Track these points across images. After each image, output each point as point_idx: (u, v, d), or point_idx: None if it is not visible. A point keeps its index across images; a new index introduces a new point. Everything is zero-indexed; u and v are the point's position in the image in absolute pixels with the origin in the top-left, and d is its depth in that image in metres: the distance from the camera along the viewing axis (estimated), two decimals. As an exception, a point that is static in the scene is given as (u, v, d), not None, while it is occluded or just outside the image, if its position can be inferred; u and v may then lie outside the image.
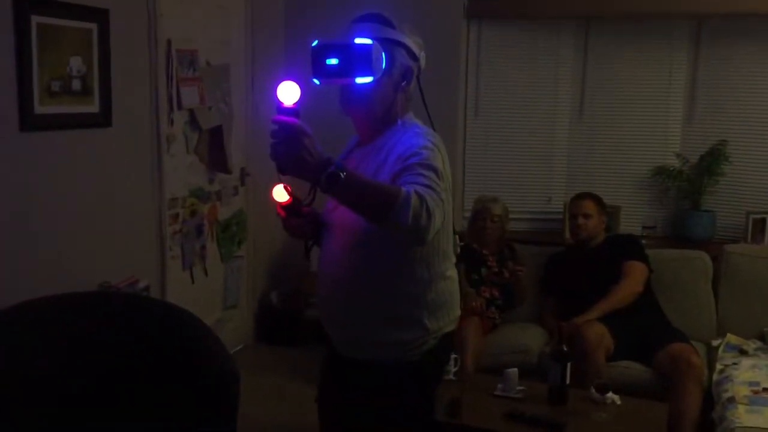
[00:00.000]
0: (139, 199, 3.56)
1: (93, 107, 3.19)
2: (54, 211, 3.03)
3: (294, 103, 1.53)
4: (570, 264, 3.80)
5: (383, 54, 1.73)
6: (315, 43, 1.71)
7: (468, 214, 4.16)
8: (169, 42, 3.66)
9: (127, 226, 3.47)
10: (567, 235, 4.03)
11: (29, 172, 2.92)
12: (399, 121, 1.85)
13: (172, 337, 2.80)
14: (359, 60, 1.69)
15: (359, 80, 1.71)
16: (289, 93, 1.53)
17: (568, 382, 2.84)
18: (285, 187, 1.77)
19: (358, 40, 1.70)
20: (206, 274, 4.12)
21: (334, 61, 1.68)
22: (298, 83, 1.54)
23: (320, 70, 1.70)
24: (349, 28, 1.79)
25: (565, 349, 2.87)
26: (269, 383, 3.91)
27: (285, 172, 1.55)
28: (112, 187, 3.35)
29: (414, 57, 1.85)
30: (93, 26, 3.14)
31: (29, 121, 2.87)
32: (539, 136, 4.47)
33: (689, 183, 4.16)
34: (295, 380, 3.91)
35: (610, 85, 4.35)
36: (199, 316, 2.99)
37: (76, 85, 3.09)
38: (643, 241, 3.95)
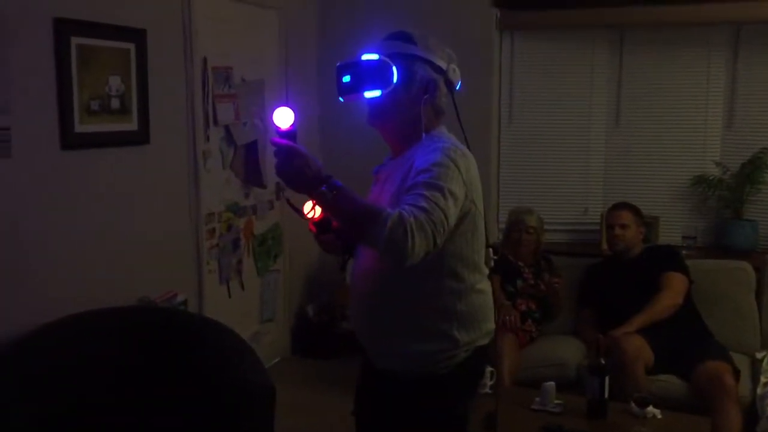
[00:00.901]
0: (177, 215, 3.62)
1: (131, 125, 3.26)
2: (95, 228, 3.09)
3: (290, 126, 1.66)
4: (608, 275, 3.75)
5: (393, 68, 1.78)
6: (338, 63, 1.83)
7: (503, 226, 4.13)
8: (204, 60, 3.73)
9: (165, 241, 3.52)
10: (604, 246, 3.98)
11: (70, 189, 2.98)
12: (424, 136, 1.85)
13: (208, 351, 2.84)
14: (367, 75, 1.79)
15: (368, 94, 1.81)
16: (283, 118, 1.66)
17: (606, 395, 2.79)
18: (288, 110, 1.80)
19: (365, 57, 1.79)
20: (243, 287, 4.16)
21: (347, 79, 1.80)
22: (292, 109, 1.67)
23: (339, 87, 1.82)
24: (371, 47, 1.86)
25: (604, 362, 2.83)
26: (306, 396, 3.92)
27: (288, 186, 1.65)
28: (151, 203, 3.40)
29: (439, 70, 1.86)
30: (131, 46, 3.21)
31: (70, 140, 2.94)
32: (575, 146, 4.43)
33: (730, 192, 4.07)
34: (331, 393, 3.91)
35: (646, 93, 4.29)
36: (236, 330, 3.03)
37: (115, 103, 3.16)
38: (683, 252, 3.88)
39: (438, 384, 1.86)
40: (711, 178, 4.13)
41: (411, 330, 1.85)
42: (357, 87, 1.80)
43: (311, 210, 1.84)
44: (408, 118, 1.85)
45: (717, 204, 4.17)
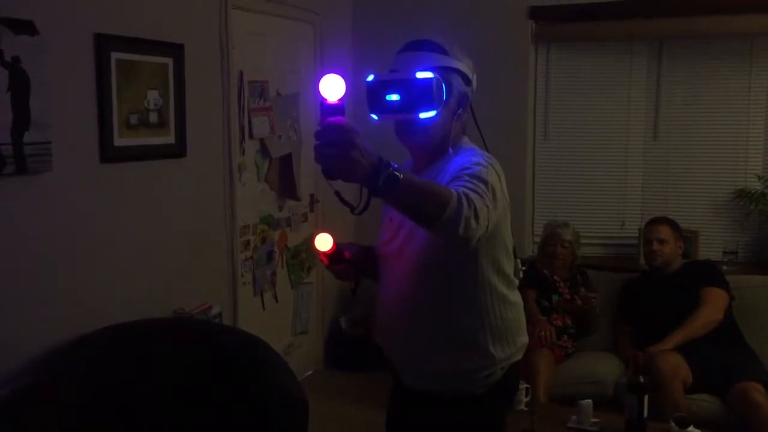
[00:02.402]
0: (212, 227, 3.65)
1: (169, 138, 3.30)
2: (132, 239, 3.14)
3: (339, 99, 1.38)
4: (646, 291, 3.69)
5: (443, 85, 1.68)
6: (371, 77, 1.65)
7: (538, 239, 4.09)
8: (241, 73, 3.77)
9: (201, 253, 3.55)
10: (642, 261, 3.91)
11: (108, 201, 3.03)
12: (450, 149, 1.80)
13: (242, 364, 2.84)
14: (422, 95, 1.62)
15: (423, 115, 1.65)
16: (333, 87, 1.37)
17: (645, 415, 2.73)
18: (328, 236, 1.77)
19: (420, 75, 1.62)
20: (276, 300, 4.18)
21: (395, 97, 1.61)
22: (342, 76, 1.39)
23: (380, 106, 1.64)
24: (404, 58, 1.74)
25: (642, 380, 2.77)
26: (339, 409, 3.91)
27: (333, 176, 1.39)
28: (187, 215, 3.44)
29: (468, 81, 1.80)
30: (169, 61, 3.26)
31: (109, 153, 2.98)
32: (612, 159, 4.37)
33: (773, 206, 3.98)
34: (364, 405, 3.90)
35: (685, 106, 4.22)
36: (270, 342, 3.03)
37: (153, 117, 3.20)
38: (724, 267, 3.80)
39: (475, 404, 1.83)
40: (753, 192, 4.04)
41: (447, 349, 1.81)
42: (409, 107, 1.62)
43: (324, 243, 1.77)
44: (444, 134, 1.78)
45: (759, 218, 4.07)
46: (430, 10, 4.40)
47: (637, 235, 4.14)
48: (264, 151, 3.99)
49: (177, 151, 3.35)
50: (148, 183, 3.22)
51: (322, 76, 1.38)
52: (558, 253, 3.82)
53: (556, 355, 3.59)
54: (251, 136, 3.87)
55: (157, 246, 3.26)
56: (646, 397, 2.72)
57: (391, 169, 1.40)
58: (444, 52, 1.75)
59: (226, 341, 3.03)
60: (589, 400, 2.88)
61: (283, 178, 4.14)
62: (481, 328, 1.79)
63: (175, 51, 3.29)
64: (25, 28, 2.58)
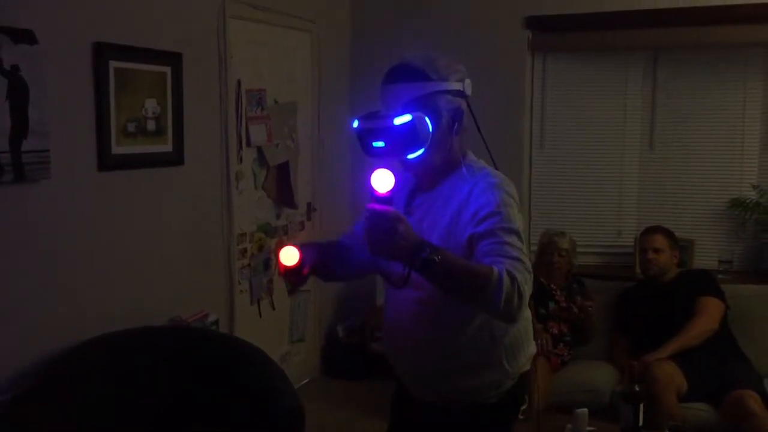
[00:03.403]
0: (210, 235, 3.66)
1: (166, 146, 3.31)
2: (129, 247, 3.14)
3: (387, 191, 1.52)
4: (641, 300, 3.70)
5: (427, 119, 1.65)
6: (356, 123, 1.69)
7: (535, 248, 4.10)
8: (238, 82, 3.78)
9: (198, 261, 3.55)
10: (638, 270, 3.92)
11: (106, 209, 3.03)
12: (462, 167, 1.77)
13: (238, 372, 2.85)
14: (405, 138, 1.64)
15: (411, 156, 1.68)
16: (383, 181, 1.52)
17: (641, 423, 2.74)
18: (295, 250, 1.76)
19: (397, 121, 1.63)
20: (273, 307, 4.18)
21: (380, 144, 1.65)
22: (392, 171, 1.52)
23: (370, 151, 1.68)
24: (387, 91, 1.71)
25: (638, 389, 2.77)
26: (335, 417, 3.90)
27: (379, 255, 1.54)
28: (184, 223, 3.44)
29: (458, 94, 1.74)
30: (167, 69, 3.27)
31: (107, 161, 2.99)
32: (608, 168, 4.39)
33: (768, 215, 4.00)
34: (361, 414, 3.90)
35: (681, 115, 4.24)
36: (267, 350, 3.04)
37: (151, 125, 3.21)
38: (720, 276, 3.81)
39: (486, 413, 1.84)
40: (748, 201, 4.05)
41: (464, 369, 1.80)
42: (396, 151, 1.66)
43: (290, 258, 1.75)
44: (444, 156, 1.75)
45: (754, 227, 4.09)
46: (427, 19, 4.42)
47: (633, 244, 4.16)
48: (261, 159, 4.00)
49: (174, 159, 3.36)
50: (146, 191, 3.23)
51: (373, 171, 1.52)
52: (555, 262, 3.83)
53: (553, 364, 3.59)
54: (249, 144, 3.89)
55: (154, 254, 3.27)
56: (641, 405, 2.73)
57: (428, 252, 1.50)
58: (423, 76, 1.68)
59: (223, 349, 3.04)
60: (585, 409, 2.88)
61: (281, 186, 4.15)
62: (496, 346, 1.80)
63: (173, 60, 3.30)
64: (25, 37, 2.59)
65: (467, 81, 1.76)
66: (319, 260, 1.83)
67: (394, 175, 1.52)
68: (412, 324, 1.82)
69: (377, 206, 1.51)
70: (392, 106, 1.67)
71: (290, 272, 1.78)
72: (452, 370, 1.81)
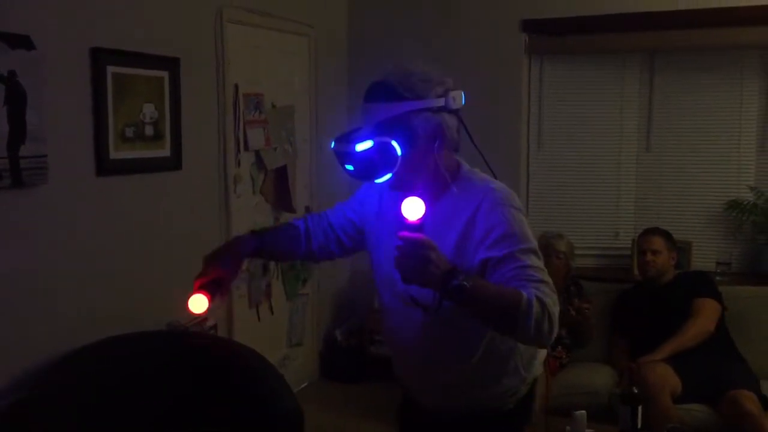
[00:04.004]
0: (208, 239, 3.64)
1: (164, 151, 3.31)
2: (127, 252, 3.14)
3: (418, 219, 1.52)
4: (639, 302, 3.70)
5: (394, 142, 1.59)
6: (332, 144, 1.67)
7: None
8: (236, 86, 3.78)
9: (196, 266, 3.53)
10: (635, 271, 3.93)
11: (105, 214, 3.04)
12: (454, 185, 1.70)
13: (237, 377, 2.85)
14: (368, 164, 1.61)
15: (379, 180, 1.66)
16: (413, 209, 1.52)
17: (639, 425, 2.74)
18: (203, 297, 1.74)
19: (358, 147, 1.59)
20: (272, 312, 4.18)
21: (350, 167, 1.64)
22: (423, 199, 1.52)
23: (346, 172, 1.66)
24: (363, 110, 1.67)
25: (636, 390, 2.78)
26: (334, 420, 3.90)
27: (410, 282, 1.53)
28: (182, 227, 3.45)
29: (439, 109, 1.64)
30: (165, 74, 3.28)
31: (105, 166, 3.00)
32: (605, 170, 4.40)
33: (765, 217, 4.00)
34: (360, 417, 3.90)
35: (678, 117, 4.25)
36: (265, 354, 3.04)
37: (149, 130, 3.22)
38: (717, 278, 3.82)
39: (502, 419, 1.84)
40: (745, 203, 4.06)
41: (481, 379, 1.79)
42: (364, 175, 1.65)
43: (199, 306, 1.75)
44: (427, 174, 1.68)
45: (752, 229, 4.10)
46: (424, 23, 4.43)
47: (630, 245, 4.17)
48: (259, 163, 4.01)
49: (172, 163, 3.36)
50: (144, 196, 3.23)
51: (404, 199, 1.52)
52: (552, 264, 3.82)
53: (551, 366, 3.59)
54: (246, 149, 3.89)
55: (152, 258, 3.27)
56: (639, 407, 2.73)
57: (460, 279, 1.48)
58: (394, 96, 1.61)
59: (222, 353, 3.04)
60: (583, 411, 2.88)
61: (279, 190, 4.15)
62: (512, 354, 1.80)
63: (171, 64, 3.31)
64: (22, 42, 2.59)
65: (454, 93, 1.66)
66: (238, 268, 1.88)
67: (425, 205, 1.51)
68: (424, 345, 1.78)
69: (409, 234, 1.50)
70: (368, 124, 1.64)
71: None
72: (470, 383, 1.80)
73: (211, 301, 1.75)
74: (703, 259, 4.12)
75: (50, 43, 2.72)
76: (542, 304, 1.52)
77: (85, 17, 2.91)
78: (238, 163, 3.85)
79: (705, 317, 3.42)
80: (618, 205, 4.40)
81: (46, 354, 2.71)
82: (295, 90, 4.30)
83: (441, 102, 1.64)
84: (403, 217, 1.51)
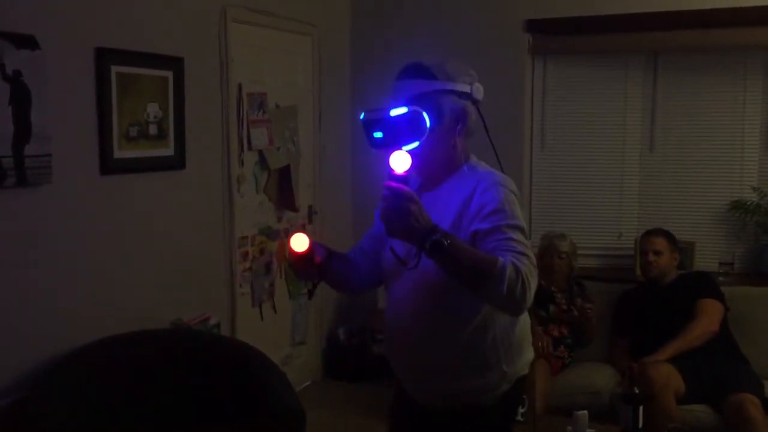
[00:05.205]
0: (211, 238, 3.67)
1: (168, 150, 3.33)
2: (131, 251, 3.16)
3: (404, 171, 1.58)
4: (642, 302, 3.70)
5: (424, 114, 1.70)
6: (362, 115, 1.75)
7: (535, 251, 4.11)
8: (240, 86, 3.80)
9: (199, 265, 3.57)
10: (638, 272, 3.93)
11: (109, 213, 3.05)
12: (464, 166, 1.83)
13: (239, 375, 2.86)
14: (400, 130, 1.69)
15: (406, 148, 1.69)
16: (400, 162, 1.59)
17: (641, 425, 2.74)
18: (305, 237, 1.80)
19: (393, 112, 1.69)
20: (275, 310, 4.19)
21: (379, 135, 1.70)
22: (409, 153, 1.60)
23: (370, 141, 1.73)
24: (396, 87, 1.79)
25: (637, 390, 2.78)
26: (337, 419, 3.91)
27: (393, 235, 1.59)
28: (186, 226, 3.46)
29: (464, 95, 1.81)
30: (169, 74, 3.29)
31: (109, 165, 3.01)
32: (608, 171, 4.39)
33: (768, 217, 4.00)
34: (362, 416, 3.91)
35: (681, 118, 4.25)
36: (268, 353, 3.05)
37: (153, 129, 3.23)
38: (720, 279, 3.82)
39: (482, 416, 1.86)
40: (748, 203, 4.06)
41: (463, 367, 1.83)
42: (392, 142, 1.69)
43: (300, 244, 1.79)
44: (445, 154, 1.82)
45: (755, 230, 4.10)
46: (427, 22, 4.43)
47: (633, 246, 4.17)
48: (263, 162, 4.01)
49: (176, 163, 3.38)
50: (148, 195, 3.25)
51: (391, 153, 1.60)
52: (555, 264, 3.84)
53: (553, 366, 3.60)
54: (250, 148, 3.90)
55: (156, 257, 3.28)
56: (641, 408, 2.74)
57: (439, 236, 1.55)
58: (429, 75, 1.77)
59: (224, 352, 3.05)
60: (585, 411, 2.89)
61: (282, 189, 4.16)
62: (494, 348, 1.82)
63: (175, 64, 3.32)
64: (27, 42, 2.61)
65: (477, 86, 1.82)
66: (329, 257, 1.87)
67: (411, 158, 1.58)
68: (412, 322, 1.84)
69: (394, 184, 1.57)
70: (398, 100, 1.74)
71: (301, 259, 1.82)
72: (451, 369, 1.83)
73: (310, 243, 1.81)
74: (706, 260, 4.12)
75: (55, 42, 2.73)
76: (517, 271, 1.57)
77: (90, 17, 2.92)
78: (242, 163, 3.86)
79: (708, 318, 3.42)
80: (621, 205, 4.39)
81: (50, 351, 2.73)
82: (298, 90, 4.31)
83: (467, 89, 1.80)
84: (390, 169, 1.58)
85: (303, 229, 1.85)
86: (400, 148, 1.69)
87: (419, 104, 1.71)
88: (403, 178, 1.59)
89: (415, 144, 1.71)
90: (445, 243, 1.54)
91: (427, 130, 1.71)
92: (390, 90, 1.81)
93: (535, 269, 1.63)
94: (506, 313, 1.72)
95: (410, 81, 1.78)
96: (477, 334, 1.79)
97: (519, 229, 1.68)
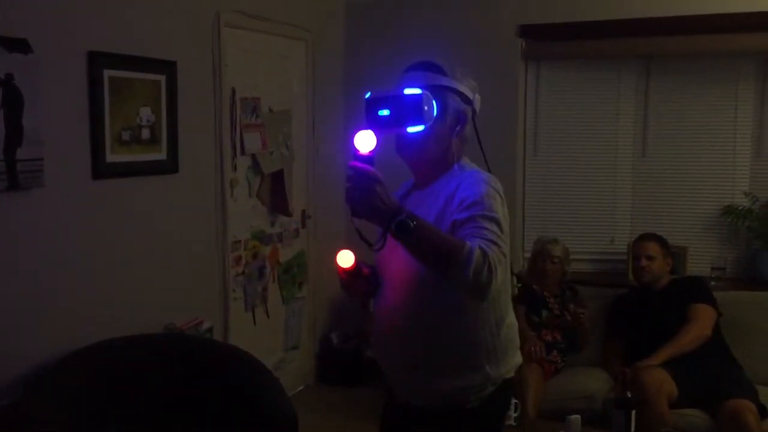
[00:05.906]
0: (204, 243, 3.66)
1: (161, 154, 3.32)
2: (123, 255, 3.15)
3: (369, 151, 1.60)
4: (634, 307, 3.71)
5: (434, 102, 1.76)
6: (368, 94, 1.76)
7: (528, 255, 4.11)
8: (233, 90, 3.79)
9: (192, 269, 3.56)
10: (631, 276, 3.94)
11: (100, 217, 3.04)
12: (455, 166, 1.87)
13: (232, 380, 2.85)
14: (410, 110, 1.72)
15: (411, 129, 1.75)
16: (365, 141, 1.60)
17: (633, 430, 2.75)
18: (350, 252, 1.82)
19: (407, 91, 1.73)
20: (268, 315, 4.19)
21: (385, 112, 1.72)
22: (374, 132, 1.61)
23: (373, 120, 1.73)
24: (402, 78, 1.83)
25: (630, 395, 2.78)
26: (330, 424, 3.91)
27: (358, 215, 1.60)
28: (179, 230, 3.45)
29: (467, 101, 1.86)
30: (161, 78, 3.28)
31: (101, 169, 3.00)
32: (601, 176, 4.41)
33: (760, 222, 4.02)
34: (355, 421, 3.90)
35: (673, 123, 4.26)
36: (261, 357, 3.05)
37: (145, 134, 3.22)
38: (713, 283, 3.83)
39: (466, 418, 1.85)
40: (740, 208, 4.07)
41: (446, 366, 1.83)
42: (398, 122, 1.73)
43: (346, 260, 1.81)
44: (440, 150, 1.85)
45: (747, 235, 4.11)
46: (421, 27, 4.44)
47: (626, 251, 4.18)
48: (256, 167, 4.01)
49: (169, 167, 3.37)
50: (140, 199, 3.24)
51: (356, 132, 1.61)
52: (548, 269, 3.84)
53: (546, 371, 3.60)
54: (243, 152, 3.90)
55: (148, 261, 3.27)
56: (633, 412, 2.74)
57: (405, 216, 1.57)
58: (440, 71, 1.82)
59: (217, 357, 3.04)
60: (578, 416, 2.89)
61: (275, 193, 4.16)
62: (478, 348, 1.82)
63: (168, 68, 3.32)
64: (19, 46, 2.60)
65: (478, 97, 1.89)
66: (373, 268, 1.90)
67: (376, 138, 1.60)
68: (398, 320, 1.85)
69: (359, 164, 1.58)
70: (405, 87, 1.76)
71: (349, 274, 1.84)
72: (434, 368, 1.83)
73: (356, 259, 1.83)
74: (698, 265, 4.13)
75: (47, 46, 2.72)
76: (484, 255, 1.58)
77: (82, 21, 2.92)
78: (235, 167, 3.85)
79: (701, 323, 3.43)
80: (613, 210, 4.41)
81: (43, 355, 2.72)
82: (292, 94, 4.31)
83: (470, 95, 1.86)
84: (355, 149, 1.60)
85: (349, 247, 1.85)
86: (405, 129, 1.74)
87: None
88: (368, 158, 1.59)
89: (421, 127, 1.75)
90: (411, 224, 1.56)
91: (433, 118, 1.75)
92: (394, 81, 1.82)
93: (504, 258, 1.65)
94: (472, 297, 1.69)
95: (423, 72, 1.82)
96: (461, 332, 1.80)
97: (494, 221, 1.69)
